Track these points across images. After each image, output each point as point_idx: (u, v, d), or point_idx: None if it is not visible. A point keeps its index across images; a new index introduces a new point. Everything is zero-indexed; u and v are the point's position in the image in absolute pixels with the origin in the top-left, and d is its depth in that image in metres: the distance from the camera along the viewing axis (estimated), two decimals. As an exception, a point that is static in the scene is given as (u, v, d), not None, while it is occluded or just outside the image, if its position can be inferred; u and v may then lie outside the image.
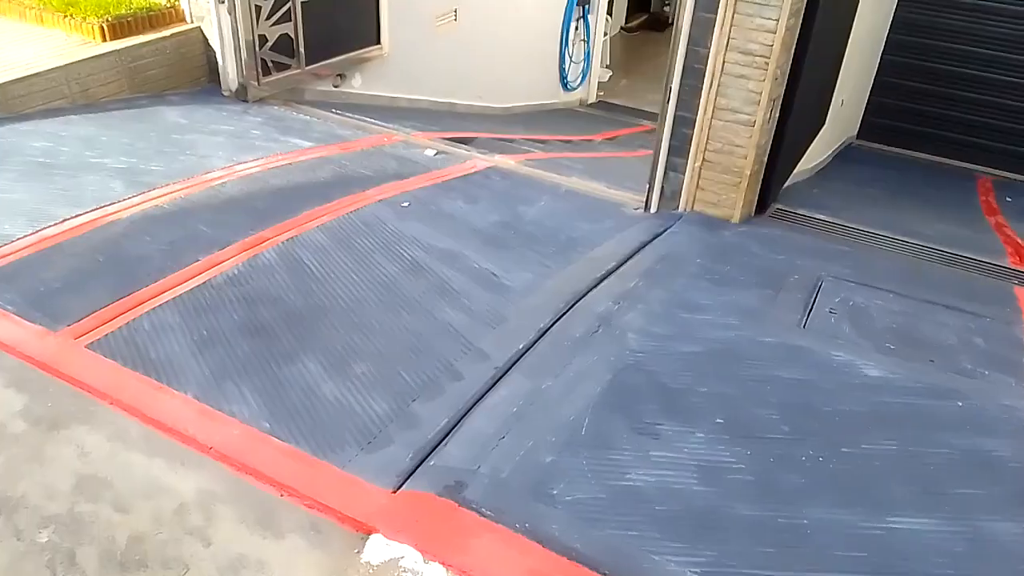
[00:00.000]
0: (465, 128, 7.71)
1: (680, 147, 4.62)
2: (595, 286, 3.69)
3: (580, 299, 3.56)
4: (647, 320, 3.40)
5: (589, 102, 11.59)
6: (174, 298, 3.30)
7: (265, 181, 4.52)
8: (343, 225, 4.08)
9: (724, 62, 4.28)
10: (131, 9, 5.64)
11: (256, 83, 6.24)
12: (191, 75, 6.07)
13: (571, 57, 10.81)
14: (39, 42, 5.49)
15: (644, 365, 3.09)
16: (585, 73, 11.27)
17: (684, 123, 4.55)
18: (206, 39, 6.05)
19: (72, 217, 3.82)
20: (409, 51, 7.67)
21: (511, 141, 7.43)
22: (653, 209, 4.91)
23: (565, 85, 10.96)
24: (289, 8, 6.29)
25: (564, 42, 10.50)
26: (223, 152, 4.89)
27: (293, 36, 6.45)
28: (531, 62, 10.08)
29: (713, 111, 4.42)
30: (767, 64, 4.17)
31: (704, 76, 4.36)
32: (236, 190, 4.35)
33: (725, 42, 4.22)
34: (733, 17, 4.14)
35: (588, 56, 11.01)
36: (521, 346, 3.18)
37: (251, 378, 2.89)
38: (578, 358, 3.11)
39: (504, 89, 9.67)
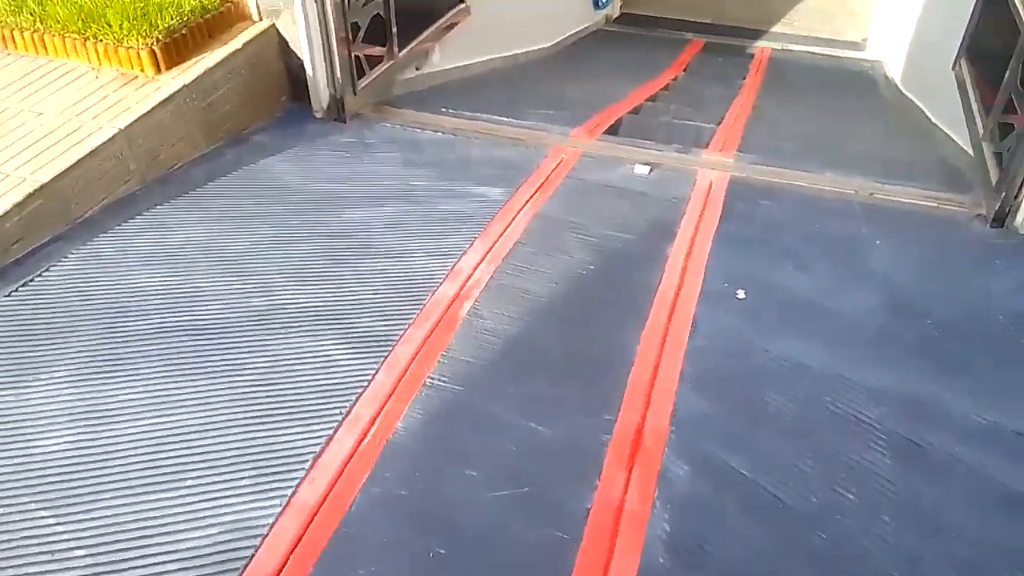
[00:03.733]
0: (567, 91, 6.19)
1: (1093, 144, 3.20)
2: None
3: None
4: None
5: (614, 18, 10.05)
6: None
7: (520, 291, 2.95)
8: (711, 371, 2.60)
9: None
10: (181, 16, 3.73)
11: (353, 92, 4.45)
12: (268, 96, 4.23)
13: (601, -31, 9.18)
14: (58, 88, 3.58)
15: None
16: (615, -14, 9.63)
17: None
18: (283, 42, 4.19)
19: (316, 459, 2.20)
20: (482, 5, 5.94)
21: (637, 112, 5.90)
22: (1024, 228, 3.53)
23: (596, 3, 9.34)
24: (379, -22, 4.47)
25: (592, -48, 8.87)
26: (415, 237, 3.25)
27: (386, 17, 4.63)
28: (566, -17, 8.43)
29: None
30: None
31: None
32: (499, 323, 2.78)
33: None
34: None
35: (615, -35, 9.40)
36: None
37: None
38: None
39: (551, 23, 8.09)
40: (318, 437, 2.27)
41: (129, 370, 2.49)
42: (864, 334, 2.79)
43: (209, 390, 2.43)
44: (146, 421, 2.30)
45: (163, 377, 2.46)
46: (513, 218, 3.44)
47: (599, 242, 3.26)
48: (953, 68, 5.12)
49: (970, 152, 4.45)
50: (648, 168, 4.07)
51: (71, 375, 2.46)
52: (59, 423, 2.30)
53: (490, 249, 3.19)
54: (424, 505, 2.09)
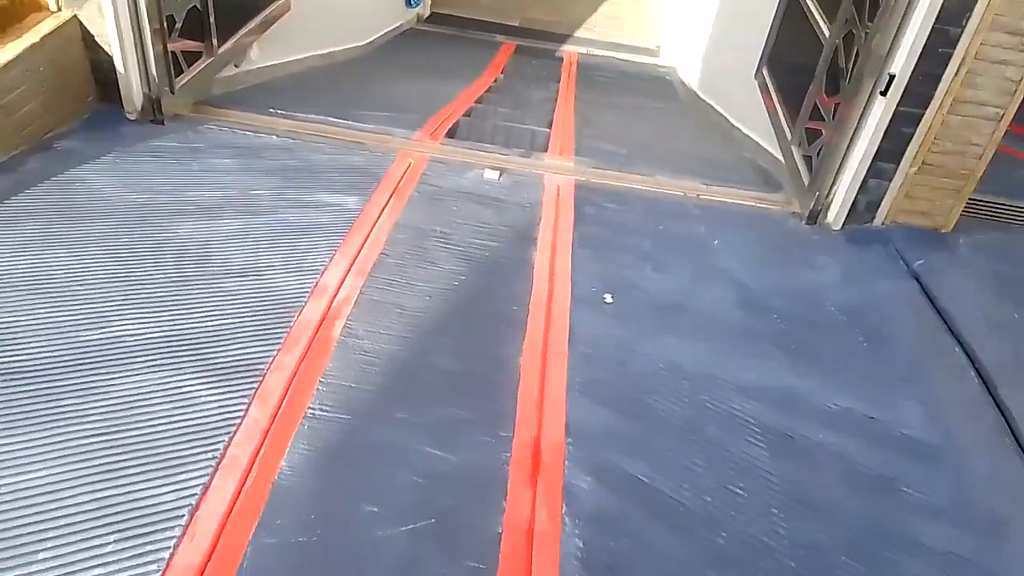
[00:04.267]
0: (397, 92, 6.07)
1: (894, 150, 3.63)
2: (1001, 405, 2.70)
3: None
4: None
5: (425, 17, 10.06)
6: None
7: (394, 306, 2.82)
8: (595, 379, 2.63)
9: (982, 44, 3.29)
10: (-39, 3, 3.18)
11: (171, 90, 4.06)
12: (74, 96, 3.74)
13: (413, -33, 9.16)
14: None
15: None
16: (427, -16, 9.63)
17: (906, 121, 3.53)
18: (88, 36, 3.72)
19: (192, 513, 1.96)
20: (299, 1, 5.70)
21: (470, 115, 5.91)
22: (836, 225, 3.92)
23: (408, 1, 9.30)
24: (196, -33, 4.10)
25: (403, -50, 8.81)
26: (268, 252, 3.01)
27: (203, 8, 4.26)
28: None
29: (952, 104, 3.45)
30: (1040, 45, 3.26)
31: (950, 62, 3.35)
32: (377, 342, 2.63)
33: (990, 20, 3.22)
34: (1008, -12, 3.14)
35: (427, -36, 9.40)
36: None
37: None
38: None
39: (366, 21, 7.96)
40: (191, 487, 2.02)
41: None
42: (725, 331, 2.95)
43: (44, 444, 2.08)
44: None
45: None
46: (372, 228, 3.28)
47: (466, 251, 3.19)
48: (755, 76, 5.58)
49: (773, 153, 4.88)
50: (498, 173, 4.06)
51: None
52: None
53: (353, 262, 3.02)
54: (325, 550, 1.92)
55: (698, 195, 4.28)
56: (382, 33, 8.31)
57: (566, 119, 5.87)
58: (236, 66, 5.09)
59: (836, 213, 3.91)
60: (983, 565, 2.12)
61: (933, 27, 3.27)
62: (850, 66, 3.74)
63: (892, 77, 3.44)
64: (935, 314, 3.18)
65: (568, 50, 9.38)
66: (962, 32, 3.28)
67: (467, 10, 10.22)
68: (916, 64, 3.37)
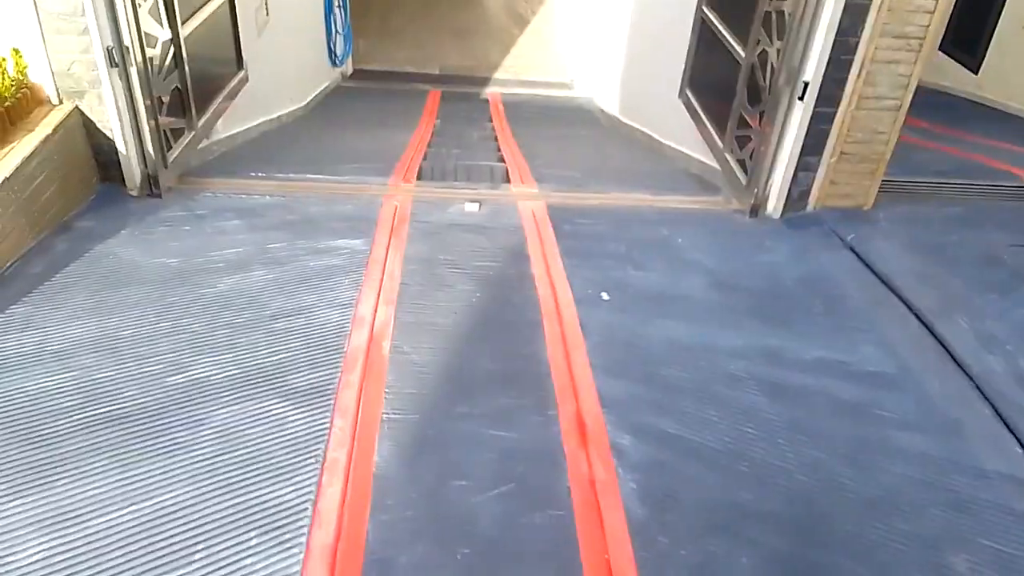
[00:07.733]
0: (342, 149, 6.46)
1: (816, 145, 4.26)
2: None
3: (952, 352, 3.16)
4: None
5: (349, 74, 10.53)
6: None
7: (428, 325, 3.22)
8: (612, 361, 3.09)
9: (876, 48, 3.96)
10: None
11: (165, 166, 4.39)
12: (81, 179, 4.03)
13: (336, 28, 9.63)
14: None
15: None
16: (348, 43, 10.12)
17: (822, 119, 4.17)
18: (88, 123, 4.02)
19: (315, 506, 2.32)
20: (250, 70, 6.09)
21: (426, 158, 6.36)
22: (776, 215, 4.53)
23: (334, 61, 9.76)
24: (175, 51, 4.47)
25: (328, 11, 9.26)
26: (302, 295, 3.37)
27: (183, 88, 4.62)
28: (307, 42, 8.79)
29: (858, 101, 4.11)
30: (921, 45, 3.96)
31: (852, 66, 4.00)
32: (423, 355, 3.03)
33: (880, 28, 3.89)
34: (890, 1, 3.82)
35: (348, 23, 9.86)
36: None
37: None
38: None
39: (302, 83, 8.39)
40: (306, 486, 2.36)
41: (71, 469, 2.36)
42: (707, 310, 3.45)
43: (171, 470, 2.39)
44: (119, 512, 2.23)
45: (112, 469, 2.37)
46: (384, 263, 3.68)
47: (474, 272, 3.62)
48: (679, 97, 6.23)
49: (704, 161, 5.51)
50: (477, 205, 4.52)
51: (7, 489, 2.28)
52: (24, 536, 2.14)
53: (379, 293, 3.41)
54: (435, 517, 2.30)
55: (651, 204, 4.83)
56: (316, 94, 8.72)
57: (514, 152, 6.39)
58: (206, 138, 5.43)
59: (774, 205, 4.51)
60: (950, 458, 2.65)
61: (835, 39, 3.92)
62: (768, 79, 4.38)
63: (807, 84, 4.07)
64: (873, 276, 3.77)
65: (491, 92, 9.96)
66: (859, 41, 3.93)
67: (387, 63, 10.72)
68: (825, 71, 4.01)
